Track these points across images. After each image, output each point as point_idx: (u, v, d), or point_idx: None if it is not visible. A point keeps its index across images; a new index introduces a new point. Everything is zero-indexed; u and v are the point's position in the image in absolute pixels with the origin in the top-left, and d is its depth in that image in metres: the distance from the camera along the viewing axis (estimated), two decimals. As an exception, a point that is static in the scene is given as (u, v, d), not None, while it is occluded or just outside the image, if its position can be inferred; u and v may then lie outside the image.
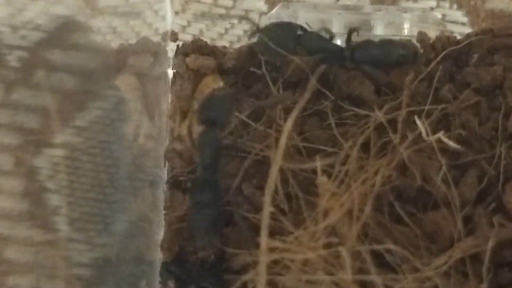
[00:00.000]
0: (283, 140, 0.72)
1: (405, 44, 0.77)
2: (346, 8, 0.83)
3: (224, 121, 0.74)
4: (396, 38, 0.81)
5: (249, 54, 0.81)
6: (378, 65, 0.76)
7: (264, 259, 0.68)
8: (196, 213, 0.73)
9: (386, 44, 0.76)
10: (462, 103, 0.76)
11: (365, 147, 0.74)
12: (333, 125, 0.75)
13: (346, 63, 0.77)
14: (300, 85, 0.78)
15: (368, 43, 0.77)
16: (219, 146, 0.74)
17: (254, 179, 0.76)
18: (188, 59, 0.82)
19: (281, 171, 0.72)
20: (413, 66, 0.77)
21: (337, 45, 0.78)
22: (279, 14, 0.83)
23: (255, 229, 0.72)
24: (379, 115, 0.74)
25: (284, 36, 0.76)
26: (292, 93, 0.77)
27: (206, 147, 0.73)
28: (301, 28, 0.77)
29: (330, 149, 0.74)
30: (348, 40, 0.77)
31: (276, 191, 0.72)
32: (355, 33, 0.78)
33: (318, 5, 0.83)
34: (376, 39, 0.78)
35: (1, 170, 0.76)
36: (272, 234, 0.70)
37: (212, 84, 0.80)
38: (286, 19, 0.81)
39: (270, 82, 0.78)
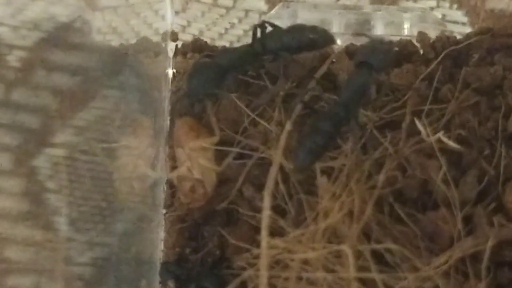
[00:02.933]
0: (282, 140, 0.73)
1: (315, 28, 0.76)
2: (346, 8, 0.84)
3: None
4: (397, 37, 0.81)
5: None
6: (290, 50, 0.76)
7: (265, 258, 0.68)
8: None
9: (295, 29, 0.76)
10: (462, 103, 0.76)
11: (365, 147, 0.74)
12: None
13: (263, 56, 0.77)
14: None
15: (276, 31, 0.77)
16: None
17: (254, 179, 0.76)
18: (179, 59, 0.82)
19: (281, 170, 0.72)
20: (324, 49, 0.78)
21: (245, 47, 0.78)
22: (279, 14, 0.83)
23: (256, 228, 0.72)
24: (379, 115, 0.75)
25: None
26: (284, 83, 0.77)
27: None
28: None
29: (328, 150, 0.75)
30: (254, 35, 0.77)
31: (276, 191, 0.72)
32: (354, 34, 0.78)
33: (318, 5, 0.83)
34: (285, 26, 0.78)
35: (1, 170, 0.76)
36: (272, 234, 0.70)
37: (186, 126, 0.78)
38: (286, 19, 0.82)
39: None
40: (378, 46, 0.73)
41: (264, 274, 0.68)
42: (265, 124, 0.76)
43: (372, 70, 0.72)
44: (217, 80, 0.76)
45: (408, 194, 0.73)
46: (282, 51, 0.76)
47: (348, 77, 0.74)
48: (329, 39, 0.76)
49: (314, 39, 0.75)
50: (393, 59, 0.76)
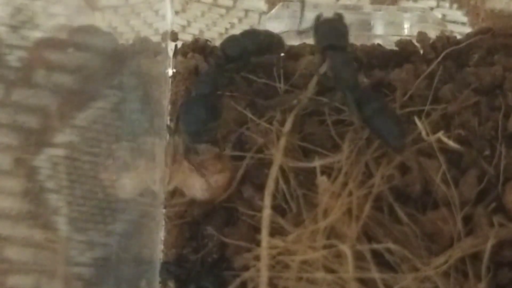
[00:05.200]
0: (283, 140, 0.73)
1: (268, 32, 0.78)
2: (346, 8, 0.84)
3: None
4: (397, 37, 0.81)
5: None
6: (248, 54, 0.76)
7: (265, 258, 0.68)
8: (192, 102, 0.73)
9: (250, 34, 0.77)
10: (462, 103, 0.76)
11: (365, 147, 0.74)
12: (330, 125, 0.75)
13: (227, 66, 0.77)
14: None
15: (232, 37, 0.77)
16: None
17: (254, 179, 0.76)
18: (179, 58, 0.82)
19: (282, 170, 0.72)
20: (277, 52, 0.78)
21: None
22: (279, 14, 0.83)
23: (256, 228, 0.72)
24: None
25: None
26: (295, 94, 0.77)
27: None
28: None
29: (328, 150, 0.74)
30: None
31: (277, 191, 0.72)
32: (355, 33, 0.78)
33: (318, 5, 0.83)
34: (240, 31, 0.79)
35: (1, 170, 0.76)
36: (272, 233, 0.70)
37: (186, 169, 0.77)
38: (286, 19, 0.82)
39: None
40: (331, 24, 0.74)
41: (264, 274, 0.68)
42: (265, 124, 0.76)
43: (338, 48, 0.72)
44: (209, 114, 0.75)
45: (409, 194, 0.73)
46: (243, 56, 0.76)
47: (330, 66, 0.73)
48: (281, 45, 0.78)
49: (270, 42, 0.77)
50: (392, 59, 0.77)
